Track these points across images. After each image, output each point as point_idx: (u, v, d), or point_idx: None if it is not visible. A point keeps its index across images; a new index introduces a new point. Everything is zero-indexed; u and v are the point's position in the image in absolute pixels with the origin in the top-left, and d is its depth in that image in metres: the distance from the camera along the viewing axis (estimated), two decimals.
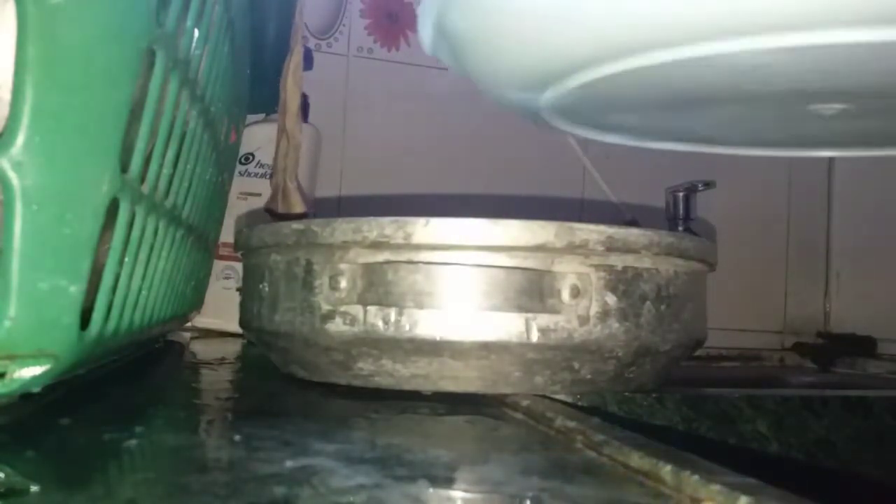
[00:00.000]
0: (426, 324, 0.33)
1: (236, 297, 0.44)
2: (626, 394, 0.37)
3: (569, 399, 0.35)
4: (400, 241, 0.33)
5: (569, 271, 0.33)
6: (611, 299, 0.34)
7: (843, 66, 0.36)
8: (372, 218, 0.34)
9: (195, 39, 0.33)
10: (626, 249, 0.34)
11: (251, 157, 0.70)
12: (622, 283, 0.34)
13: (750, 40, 0.33)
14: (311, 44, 0.80)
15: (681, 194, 0.77)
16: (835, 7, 0.30)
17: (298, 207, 0.61)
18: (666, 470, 0.20)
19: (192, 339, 0.64)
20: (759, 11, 0.31)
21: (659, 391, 0.38)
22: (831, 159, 0.95)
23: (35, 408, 0.27)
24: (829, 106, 0.44)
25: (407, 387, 0.35)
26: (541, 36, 0.38)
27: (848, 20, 0.30)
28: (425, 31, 0.44)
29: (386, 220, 0.33)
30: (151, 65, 0.26)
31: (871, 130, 0.51)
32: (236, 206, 0.68)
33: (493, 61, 0.44)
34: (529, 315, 0.33)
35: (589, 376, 0.35)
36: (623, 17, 0.35)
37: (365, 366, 0.35)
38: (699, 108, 0.49)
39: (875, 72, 0.37)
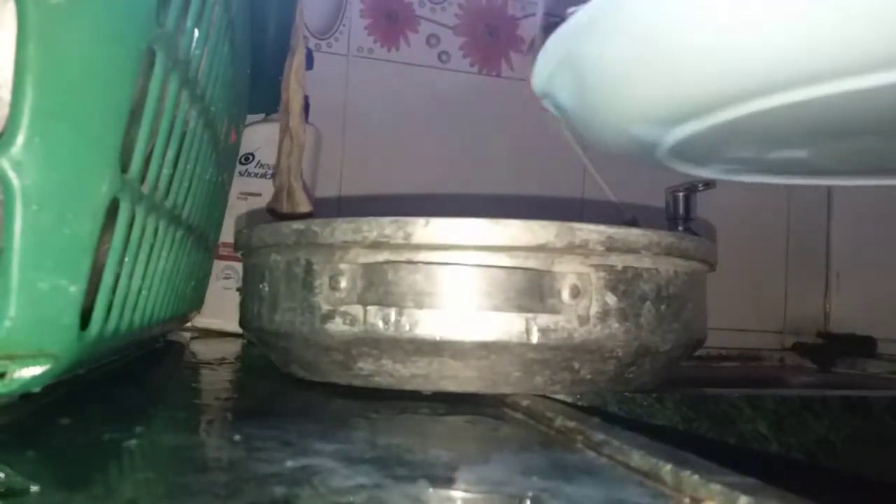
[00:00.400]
0: (426, 324, 0.33)
1: (236, 297, 0.44)
2: (626, 394, 0.37)
3: (569, 399, 0.35)
4: (400, 241, 0.33)
5: (569, 271, 0.33)
6: (611, 299, 0.34)
7: None
8: (372, 218, 0.34)
9: (195, 39, 0.33)
10: (626, 249, 0.34)
11: (251, 157, 0.70)
12: (622, 283, 0.34)
13: (873, 77, 0.33)
14: (311, 44, 0.80)
15: (681, 194, 0.77)
16: None
17: (304, 207, 0.61)
18: (666, 470, 0.20)
19: (192, 339, 0.64)
20: (882, 51, 0.32)
21: (659, 391, 0.38)
22: None
23: (35, 408, 0.27)
24: None
25: (407, 387, 0.35)
26: (694, 69, 0.37)
27: None
28: (544, 68, 0.43)
29: (386, 220, 0.33)
30: (151, 65, 0.26)
31: None
32: (236, 206, 0.68)
33: (630, 94, 0.42)
34: (529, 315, 0.33)
35: (589, 376, 0.35)
36: (775, 54, 0.35)
37: (365, 366, 0.35)
38: (815, 142, 0.48)
39: None
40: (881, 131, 0.45)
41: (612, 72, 0.40)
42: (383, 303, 0.33)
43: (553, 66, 0.42)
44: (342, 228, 0.34)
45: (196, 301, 0.54)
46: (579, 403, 0.36)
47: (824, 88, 0.36)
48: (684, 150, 0.49)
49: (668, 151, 0.49)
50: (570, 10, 0.41)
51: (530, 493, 0.20)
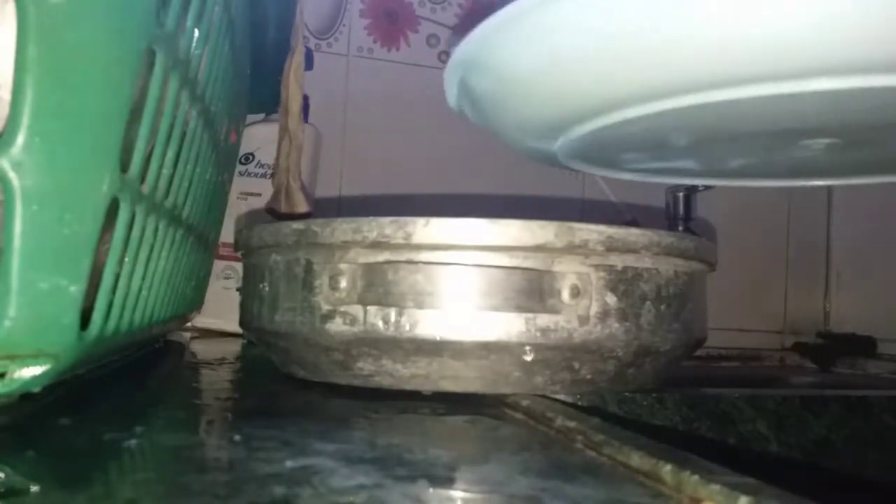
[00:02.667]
0: (426, 324, 0.33)
1: (236, 297, 0.44)
2: (626, 394, 0.37)
3: (569, 399, 0.35)
4: (400, 241, 0.33)
5: (569, 271, 0.33)
6: (611, 299, 0.34)
7: (830, 107, 0.40)
8: (372, 218, 0.34)
9: (195, 39, 0.33)
10: (626, 249, 0.34)
11: (251, 157, 0.70)
12: (622, 283, 0.34)
13: (754, 88, 0.37)
14: (311, 44, 0.80)
15: (681, 194, 0.77)
16: (828, 57, 0.34)
17: (302, 207, 0.61)
18: (666, 470, 0.20)
19: (192, 339, 0.64)
20: (765, 62, 0.35)
21: (659, 391, 0.38)
22: None
23: (35, 408, 0.27)
24: (818, 141, 0.49)
25: (407, 387, 0.35)
26: (547, 93, 0.44)
27: (839, 70, 0.35)
28: (451, 89, 0.50)
29: (386, 220, 0.33)
30: (151, 65, 0.26)
31: (859, 160, 0.56)
32: (236, 206, 0.68)
33: (508, 117, 0.50)
34: (529, 315, 0.33)
35: (589, 376, 0.35)
36: (625, 74, 0.39)
37: (365, 366, 0.35)
38: (699, 147, 0.54)
39: (860, 110, 0.41)
40: (738, 138, 0.50)
41: (490, 101, 0.49)
42: (383, 303, 0.33)
43: (455, 91, 0.50)
44: (342, 228, 0.34)
45: (196, 301, 0.54)
46: (579, 403, 0.36)
47: (689, 99, 0.40)
48: (579, 155, 0.55)
49: (565, 156, 0.56)
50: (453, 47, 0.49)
51: (530, 493, 0.20)
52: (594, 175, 0.87)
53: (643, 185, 0.87)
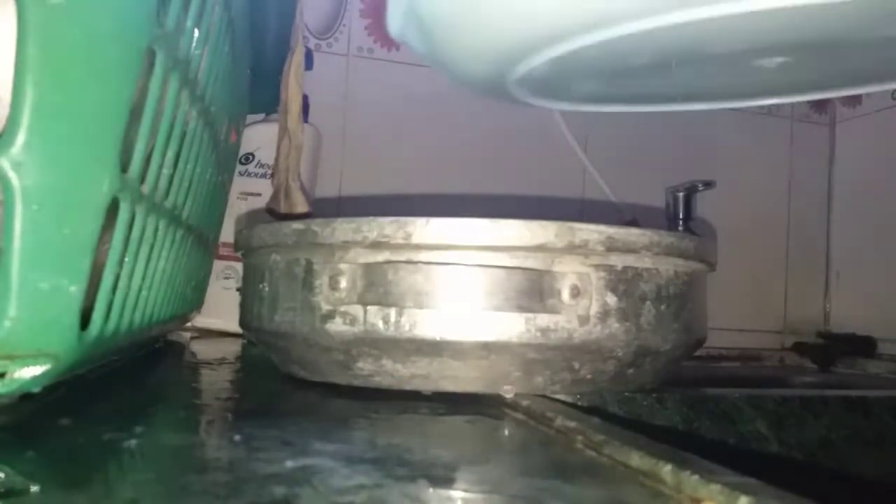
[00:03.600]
0: (426, 324, 0.33)
1: (236, 297, 0.44)
2: (626, 394, 0.37)
3: (569, 399, 0.35)
4: (400, 241, 0.33)
5: (569, 271, 0.33)
6: (611, 299, 0.34)
7: (781, 26, 0.42)
8: (372, 218, 0.34)
9: (195, 39, 0.33)
10: (626, 249, 0.34)
11: (251, 157, 0.70)
12: (622, 283, 0.34)
13: (704, 10, 0.38)
14: (311, 44, 0.80)
15: (681, 194, 0.77)
16: None
17: (301, 207, 0.61)
18: (666, 470, 0.20)
19: (192, 339, 0.64)
20: None
21: (659, 391, 0.38)
22: (831, 159, 0.95)
23: (35, 408, 0.27)
24: (771, 60, 0.51)
25: (407, 387, 0.35)
26: (510, 14, 0.42)
27: None
28: (394, 18, 0.48)
29: (386, 220, 0.33)
30: (151, 65, 0.26)
31: (811, 78, 0.58)
32: (236, 206, 0.68)
33: (463, 40, 0.48)
34: (529, 315, 0.33)
35: (589, 376, 0.35)
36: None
37: (365, 366, 0.35)
38: (655, 72, 0.54)
39: (809, 28, 0.43)
40: (692, 61, 0.51)
41: (442, 24, 0.46)
42: (383, 303, 0.33)
43: (401, 16, 0.48)
44: (342, 228, 0.34)
45: (196, 301, 0.54)
46: (579, 403, 0.36)
47: (619, 29, 0.41)
48: (530, 85, 0.55)
49: (516, 86, 0.55)
50: None
51: (530, 493, 0.20)
52: (587, 167, 0.87)
53: (643, 185, 0.87)
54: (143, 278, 0.31)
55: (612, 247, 0.34)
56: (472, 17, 0.44)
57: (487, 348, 0.33)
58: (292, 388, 0.38)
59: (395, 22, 0.48)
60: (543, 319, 0.33)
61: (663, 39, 0.43)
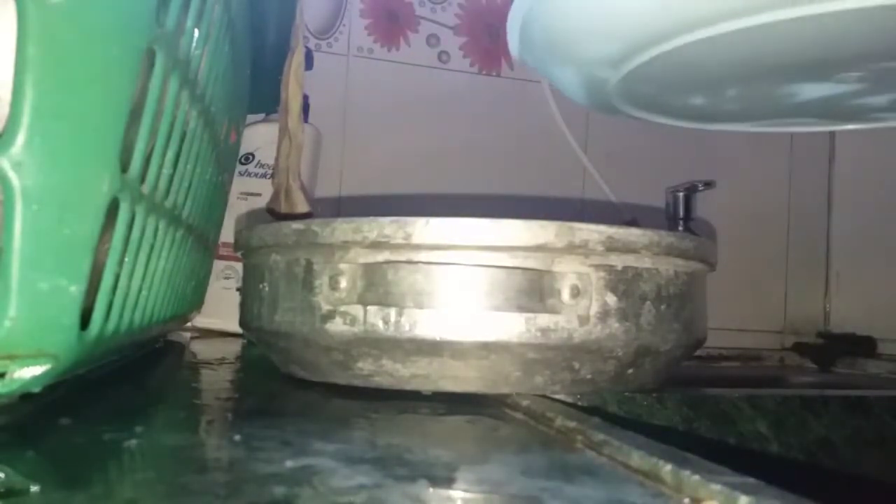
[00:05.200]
0: (426, 324, 0.33)
1: (236, 297, 0.44)
2: (626, 394, 0.37)
3: (569, 399, 0.35)
4: (400, 241, 0.33)
5: (569, 271, 0.33)
6: (611, 299, 0.34)
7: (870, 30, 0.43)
8: (372, 218, 0.34)
9: (195, 39, 0.33)
10: (626, 249, 0.34)
11: (251, 157, 0.70)
12: (622, 283, 0.34)
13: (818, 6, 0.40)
14: (311, 44, 0.80)
15: (681, 194, 0.77)
16: None
17: (302, 207, 0.61)
18: (666, 470, 0.20)
19: (192, 339, 0.64)
20: None
21: (659, 391, 0.38)
22: (831, 158, 0.95)
23: (35, 408, 0.27)
24: (850, 74, 0.51)
25: (407, 387, 0.35)
26: (609, 23, 0.46)
27: None
28: (513, 38, 0.52)
29: (386, 220, 0.33)
30: (151, 65, 0.26)
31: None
32: (236, 206, 0.68)
33: (569, 55, 0.52)
34: (529, 315, 0.33)
35: (589, 376, 0.35)
36: None
37: (365, 366, 0.35)
38: (750, 85, 0.57)
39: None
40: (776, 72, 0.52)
41: (558, 25, 0.49)
42: (383, 303, 0.33)
43: (517, 31, 0.51)
44: (342, 228, 0.34)
45: (196, 301, 0.54)
46: (579, 403, 0.36)
47: (741, 23, 0.42)
48: (631, 92, 0.57)
49: (618, 91, 0.57)
50: None
51: (530, 494, 0.20)
52: (587, 167, 0.87)
53: (643, 185, 0.87)
54: (143, 278, 0.31)
55: (612, 247, 0.34)
56: (587, 19, 0.48)
57: (487, 348, 0.33)
58: (292, 388, 0.38)
59: (513, 44, 0.53)
60: (543, 319, 0.33)
61: (758, 42, 0.44)
